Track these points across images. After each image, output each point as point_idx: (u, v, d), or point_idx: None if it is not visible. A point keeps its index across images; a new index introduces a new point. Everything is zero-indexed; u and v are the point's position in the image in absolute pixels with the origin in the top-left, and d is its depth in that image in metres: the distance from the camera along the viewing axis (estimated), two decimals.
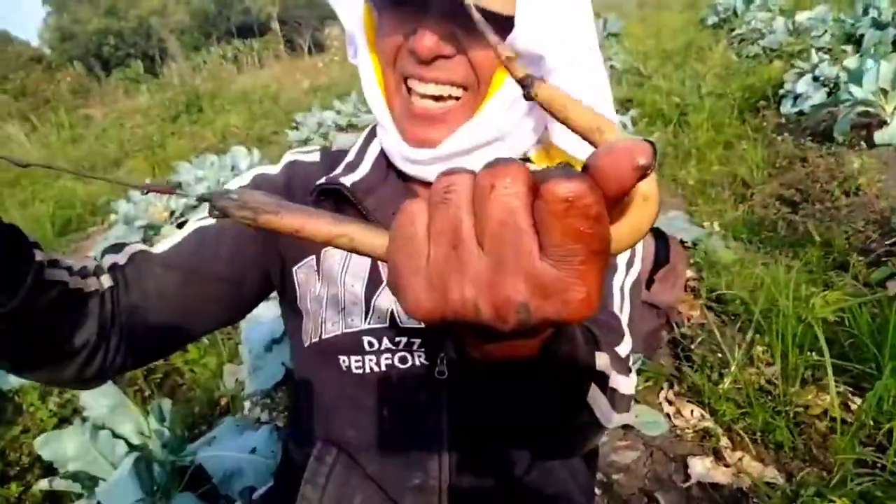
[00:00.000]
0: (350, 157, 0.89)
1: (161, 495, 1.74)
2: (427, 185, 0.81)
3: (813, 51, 5.42)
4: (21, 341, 0.63)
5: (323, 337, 0.82)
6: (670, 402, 2.11)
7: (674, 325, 2.38)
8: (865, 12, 5.58)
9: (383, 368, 0.79)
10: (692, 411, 2.04)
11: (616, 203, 0.30)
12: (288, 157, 0.93)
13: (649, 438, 1.97)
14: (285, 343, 2.20)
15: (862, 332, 2.02)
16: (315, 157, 0.93)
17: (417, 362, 0.78)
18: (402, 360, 0.78)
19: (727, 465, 1.81)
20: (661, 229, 1.99)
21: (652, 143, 0.29)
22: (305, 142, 7.33)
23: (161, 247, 0.81)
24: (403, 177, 0.84)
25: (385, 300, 0.79)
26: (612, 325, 0.73)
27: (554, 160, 0.82)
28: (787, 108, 4.76)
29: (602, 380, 0.62)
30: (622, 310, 0.77)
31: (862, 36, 5.30)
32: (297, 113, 8.76)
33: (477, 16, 0.40)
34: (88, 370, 0.72)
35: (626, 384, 0.68)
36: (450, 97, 0.75)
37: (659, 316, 2.10)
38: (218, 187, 5.23)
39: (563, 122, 0.35)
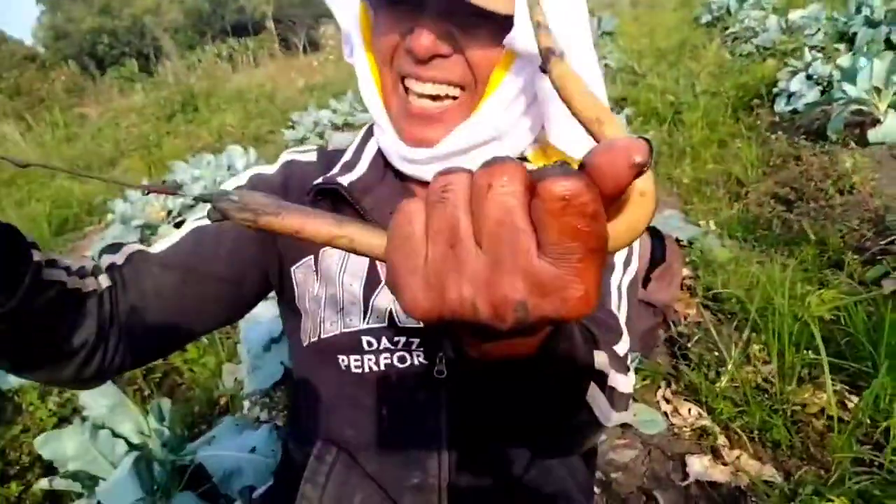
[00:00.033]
0: (347, 156, 0.89)
1: (161, 494, 1.74)
2: (424, 184, 0.81)
3: (806, 49, 5.43)
4: (20, 341, 0.63)
5: (322, 336, 0.82)
6: (668, 401, 2.12)
7: (670, 323, 2.39)
8: (858, 10, 5.60)
9: (382, 368, 0.79)
10: (690, 410, 2.05)
11: (613, 201, 0.31)
12: (284, 156, 0.93)
13: (647, 437, 1.98)
14: (284, 342, 2.19)
15: (858, 331, 2.02)
16: (312, 156, 0.93)
17: (416, 362, 0.78)
18: (401, 359, 0.79)
19: (725, 464, 1.81)
20: (657, 228, 2.00)
21: (648, 141, 0.29)
22: (301, 141, 7.31)
23: (159, 247, 0.81)
24: (401, 176, 0.85)
25: (383, 300, 0.79)
26: (610, 324, 0.73)
27: (551, 159, 0.83)
28: (780, 106, 4.76)
29: (601, 378, 0.62)
30: (620, 308, 0.77)
31: (855, 34, 5.31)
32: (292, 112, 8.73)
33: None
34: (87, 370, 0.72)
35: (624, 383, 0.68)
36: (447, 97, 0.75)
37: (655, 315, 2.10)
38: (214, 187, 5.22)
39: (566, 104, 0.36)
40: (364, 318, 0.79)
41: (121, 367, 0.77)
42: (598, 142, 0.35)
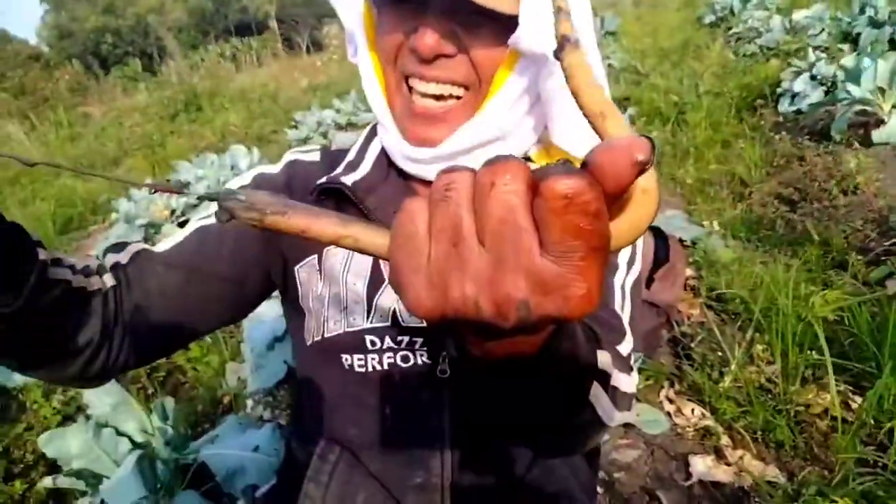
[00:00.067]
0: (350, 156, 0.90)
1: (164, 493, 1.74)
2: (428, 183, 0.81)
3: (810, 49, 5.42)
4: (25, 340, 0.63)
5: (325, 336, 0.82)
6: (671, 401, 2.12)
7: (674, 323, 2.39)
8: (862, 11, 5.58)
9: (385, 367, 0.79)
10: (693, 410, 2.05)
11: (615, 199, 0.31)
12: (288, 156, 0.94)
13: (650, 437, 1.98)
14: (287, 341, 2.20)
15: (861, 331, 2.02)
16: (315, 156, 0.94)
17: (420, 361, 0.78)
18: (405, 358, 0.79)
19: (728, 464, 1.81)
20: (661, 228, 1.99)
21: (650, 139, 0.29)
22: (305, 141, 7.32)
23: (163, 246, 0.82)
24: (404, 175, 0.85)
25: (387, 299, 0.79)
26: (614, 324, 0.73)
27: (554, 159, 0.82)
28: (784, 106, 4.76)
29: (604, 378, 0.62)
30: (623, 308, 0.77)
31: (859, 34, 5.30)
32: (296, 112, 8.73)
33: None
34: (92, 369, 0.72)
35: (627, 382, 0.68)
36: (451, 96, 0.75)
37: (659, 315, 2.10)
38: (218, 186, 5.23)
39: (573, 94, 0.36)
40: (367, 318, 0.79)
41: (125, 366, 0.77)
42: (599, 136, 0.35)
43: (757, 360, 2.14)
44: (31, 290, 0.58)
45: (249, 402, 2.25)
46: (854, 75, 3.84)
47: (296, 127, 8.01)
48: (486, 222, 0.30)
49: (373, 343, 0.79)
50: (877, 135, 3.62)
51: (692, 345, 2.28)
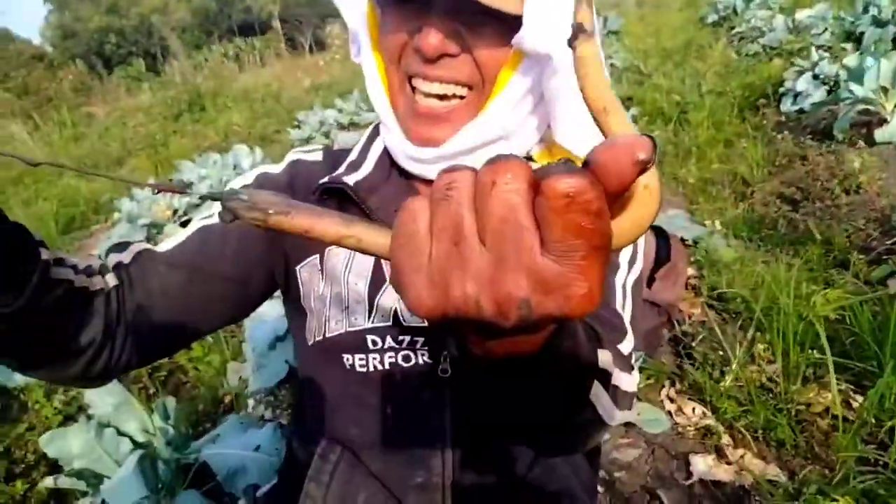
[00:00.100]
0: (353, 156, 0.90)
1: (165, 493, 1.75)
2: (430, 183, 0.81)
3: (813, 49, 5.40)
4: (27, 340, 0.63)
5: (326, 335, 0.82)
6: (672, 400, 2.12)
7: (675, 323, 2.39)
8: (865, 10, 5.57)
9: (387, 367, 0.79)
10: (694, 409, 2.05)
11: (617, 198, 0.31)
12: (290, 156, 0.94)
13: (651, 436, 1.97)
14: (289, 341, 2.20)
15: (863, 330, 2.02)
16: (317, 156, 0.94)
17: (421, 361, 0.78)
18: (406, 358, 0.79)
19: (729, 463, 1.81)
20: (662, 227, 1.99)
21: (652, 138, 0.29)
22: (307, 140, 7.32)
23: (165, 245, 0.82)
24: (406, 175, 0.85)
25: (388, 299, 0.79)
26: (615, 323, 0.73)
27: (556, 158, 0.82)
28: (787, 106, 4.75)
29: (604, 377, 0.62)
30: (624, 307, 0.77)
31: (862, 34, 5.29)
32: (298, 111, 8.73)
33: None
34: (94, 368, 0.72)
35: (628, 381, 0.68)
36: (454, 96, 0.75)
37: (660, 314, 2.10)
38: (221, 186, 5.23)
39: (580, 86, 0.36)
40: (369, 317, 0.80)
41: (127, 366, 0.77)
42: (602, 132, 0.35)
43: (758, 359, 2.14)
44: (33, 290, 0.59)
45: (251, 402, 2.25)
46: (857, 75, 3.83)
47: (298, 127, 8.02)
48: (488, 221, 0.30)
49: (374, 343, 0.79)
50: (879, 134, 3.61)
51: (693, 344, 2.28)
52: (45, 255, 0.61)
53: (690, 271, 2.72)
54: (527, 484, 0.82)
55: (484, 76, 0.73)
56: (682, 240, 2.85)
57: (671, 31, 9.28)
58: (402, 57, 0.75)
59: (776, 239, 3.04)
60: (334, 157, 0.92)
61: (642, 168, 0.29)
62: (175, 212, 4.90)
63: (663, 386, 2.19)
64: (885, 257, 2.49)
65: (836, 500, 1.54)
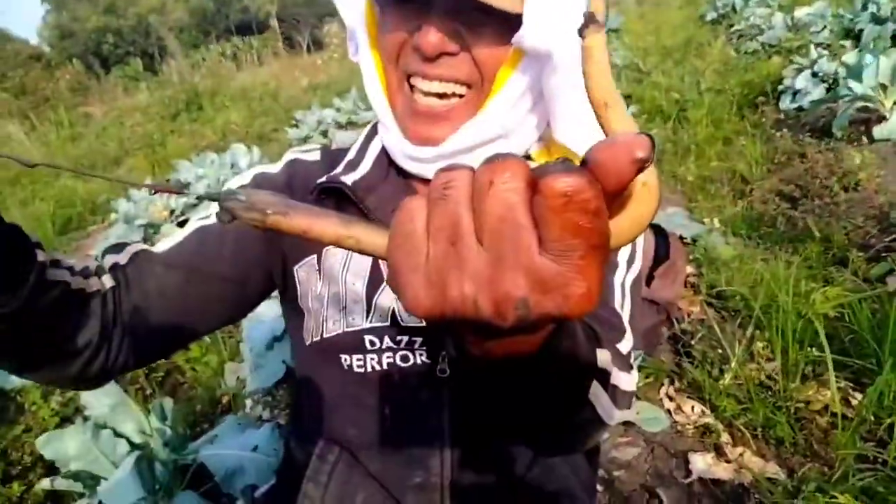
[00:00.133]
0: (351, 155, 0.89)
1: (163, 494, 1.74)
2: (428, 182, 0.81)
3: (812, 46, 5.41)
4: (23, 341, 0.63)
5: (324, 336, 0.82)
6: (671, 398, 2.11)
7: (674, 321, 2.38)
8: (864, 7, 5.57)
9: (385, 367, 0.79)
10: (693, 407, 2.04)
11: (615, 197, 0.30)
12: (288, 155, 0.93)
13: (650, 435, 1.97)
14: (286, 341, 2.19)
15: (862, 328, 2.02)
16: (315, 155, 0.93)
17: (419, 361, 0.78)
18: (404, 358, 0.78)
19: (728, 461, 1.81)
20: (661, 225, 1.99)
21: (650, 136, 0.29)
22: (305, 139, 7.31)
23: (162, 246, 0.82)
24: (404, 174, 0.84)
25: (386, 299, 0.79)
26: (614, 322, 0.73)
27: (554, 157, 0.82)
28: (785, 103, 4.75)
29: (603, 376, 0.62)
30: (623, 306, 0.77)
31: (861, 31, 5.29)
32: (296, 110, 8.72)
33: None
34: (91, 370, 0.72)
35: (627, 381, 0.68)
36: (454, 95, 0.74)
37: (659, 312, 2.09)
38: (218, 185, 5.23)
39: (584, 77, 0.35)
40: (367, 318, 0.79)
41: (124, 367, 0.77)
42: (601, 125, 0.34)
43: (757, 357, 2.14)
44: (29, 292, 0.58)
45: (248, 402, 2.25)
46: (856, 72, 3.83)
47: (296, 126, 8.01)
48: (485, 221, 0.30)
49: (372, 343, 0.79)
50: (878, 131, 3.61)
51: (692, 342, 2.28)
52: (41, 256, 0.61)
53: (689, 269, 2.72)
54: (526, 484, 0.81)
55: (483, 75, 0.73)
56: (681, 238, 2.84)
57: (671, 29, 9.29)
58: (400, 56, 0.74)
59: (775, 237, 3.04)
60: (332, 156, 0.92)
61: (641, 166, 0.29)
62: (172, 212, 4.90)
63: (662, 384, 2.19)
64: (883, 255, 2.49)
65: (836, 498, 1.54)
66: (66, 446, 1.80)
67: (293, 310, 0.88)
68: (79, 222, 6.43)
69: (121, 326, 0.74)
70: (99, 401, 1.88)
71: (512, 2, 0.66)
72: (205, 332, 0.88)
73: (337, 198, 0.82)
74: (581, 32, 0.36)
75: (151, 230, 4.70)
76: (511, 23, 0.67)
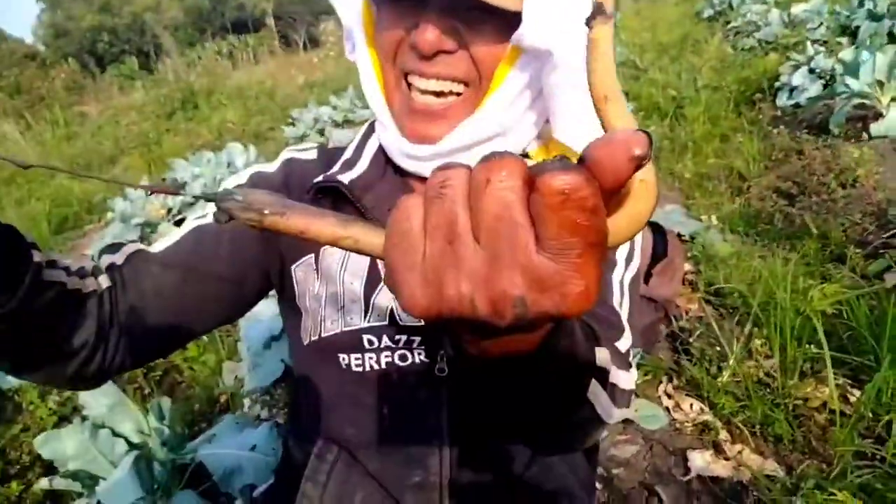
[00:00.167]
0: (348, 154, 0.89)
1: (161, 493, 1.74)
2: (426, 180, 0.81)
3: (808, 43, 5.41)
4: (19, 342, 0.63)
5: (322, 335, 0.81)
6: (669, 396, 2.11)
7: (672, 318, 2.38)
8: (861, 4, 5.57)
9: (383, 366, 0.79)
10: (691, 405, 2.04)
11: (613, 195, 0.30)
12: (285, 154, 0.93)
13: (649, 432, 1.97)
14: (284, 340, 2.19)
15: (860, 325, 2.02)
16: (312, 154, 0.93)
17: (417, 360, 0.78)
18: (402, 357, 0.78)
19: (727, 459, 1.81)
20: (659, 223, 1.99)
21: (648, 133, 0.28)
22: (302, 138, 7.30)
23: (159, 246, 0.81)
24: (402, 173, 0.84)
25: (384, 298, 0.78)
26: (612, 321, 0.73)
27: (552, 155, 0.82)
28: (782, 100, 4.75)
29: (602, 375, 0.62)
30: (622, 305, 0.77)
31: (858, 28, 5.29)
32: (293, 109, 8.72)
33: None
34: (87, 370, 0.72)
35: (626, 379, 0.68)
36: (451, 93, 0.74)
37: (657, 310, 2.10)
38: (214, 184, 5.22)
39: (588, 69, 0.35)
40: (365, 317, 0.79)
41: (121, 367, 0.77)
42: (600, 119, 0.34)
43: (755, 355, 2.14)
44: (25, 293, 0.58)
45: (246, 402, 2.24)
46: (852, 69, 3.83)
47: (293, 124, 8.00)
48: (482, 219, 0.30)
49: (370, 342, 0.79)
50: (875, 128, 3.61)
51: (690, 340, 2.28)
52: (37, 257, 0.61)
53: (687, 267, 2.72)
54: (524, 482, 0.81)
55: (481, 73, 0.73)
56: (679, 235, 2.84)
57: (667, 26, 9.29)
58: (397, 54, 0.74)
59: (773, 233, 3.05)
60: (329, 155, 0.92)
61: (638, 164, 0.28)
62: (169, 211, 4.89)
63: (661, 382, 2.19)
64: (881, 251, 2.49)
65: (834, 495, 1.54)
66: (65, 446, 1.80)
67: (291, 309, 0.88)
68: (75, 221, 6.43)
69: (117, 326, 0.74)
70: (97, 400, 1.87)
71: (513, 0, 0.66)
72: (202, 332, 0.88)
73: (334, 197, 0.82)
74: (588, 23, 0.35)
75: (148, 229, 4.69)
76: (509, 20, 0.67)
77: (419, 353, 0.78)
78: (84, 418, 1.89)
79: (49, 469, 2.03)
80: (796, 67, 4.96)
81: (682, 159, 4.38)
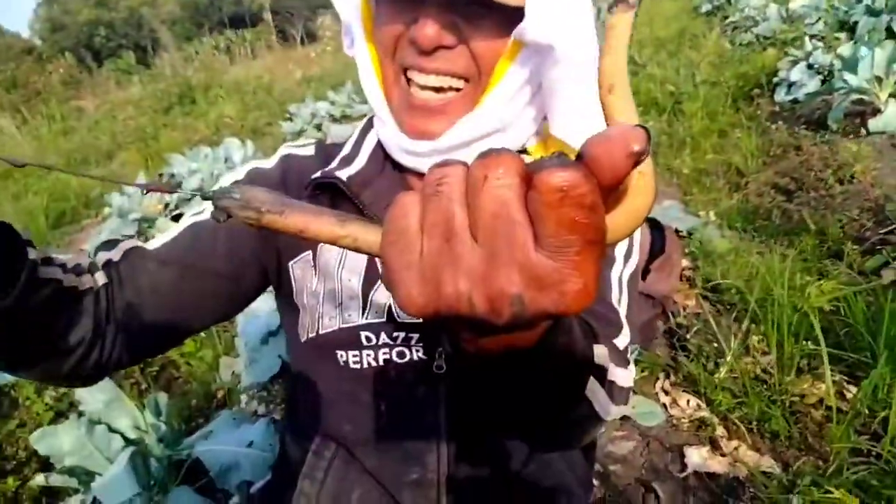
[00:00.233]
0: (346, 150, 0.89)
1: (158, 490, 1.74)
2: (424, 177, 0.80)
3: (807, 38, 5.40)
4: (15, 339, 0.63)
5: (320, 332, 0.81)
6: (666, 393, 2.12)
7: (669, 314, 2.38)
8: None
9: (381, 363, 0.79)
10: (688, 401, 2.05)
11: (611, 191, 0.30)
12: (282, 150, 0.93)
13: (646, 429, 1.98)
14: (281, 335, 2.19)
15: (857, 321, 2.02)
16: (310, 150, 0.93)
17: (415, 357, 0.78)
18: (400, 354, 0.78)
19: (723, 455, 1.81)
20: (657, 219, 1.99)
21: (646, 129, 0.28)
22: (299, 133, 7.29)
23: (155, 243, 0.81)
24: (400, 169, 0.84)
25: (382, 295, 0.78)
26: (611, 318, 0.73)
27: (551, 151, 0.82)
28: (781, 96, 4.75)
29: (600, 372, 0.62)
30: (620, 302, 0.77)
31: (856, 23, 5.28)
32: (290, 104, 8.70)
33: None
34: (84, 367, 0.72)
35: (624, 376, 0.68)
36: (450, 88, 0.74)
37: (654, 306, 2.10)
38: (212, 180, 5.20)
39: (599, 55, 0.35)
40: (363, 314, 0.79)
41: (118, 364, 0.77)
42: (602, 108, 0.34)
43: (752, 351, 2.14)
44: (20, 290, 0.58)
45: (244, 397, 2.24)
46: (851, 64, 3.83)
47: (290, 119, 7.98)
48: (479, 217, 0.30)
49: (368, 339, 0.79)
50: (873, 124, 3.61)
51: (688, 336, 2.28)
52: (32, 254, 0.61)
53: (685, 263, 2.72)
54: (522, 479, 0.81)
55: (480, 68, 0.72)
56: (677, 231, 2.84)
57: (665, 21, 9.28)
58: (396, 49, 0.74)
59: (770, 230, 3.04)
60: (327, 151, 0.92)
61: (636, 160, 0.28)
62: (166, 206, 4.87)
63: (658, 378, 2.19)
64: (878, 247, 2.49)
65: (830, 492, 1.54)
66: (61, 442, 1.80)
67: (288, 306, 0.88)
68: (72, 216, 6.41)
69: (114, 323, 0.74)
70: (93, 396, 1.87)
71: None
72: (199, 329, 0.88)
73: (332, 193, 0.81)
74: (610, 9, 0.35)
75: (145, 224, 4.68)
76: (509, 15, 0.66)
77: (417, 350, 0.78)
78: (80, 414, 1.89)
79: (45, 465, 2.02)
80: (794, 63, 4.96)
81: (680, 155, 4.37)
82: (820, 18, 6.03)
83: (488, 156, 0.30)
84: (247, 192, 0.35)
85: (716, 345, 2.17)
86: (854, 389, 1.89)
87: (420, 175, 0.82)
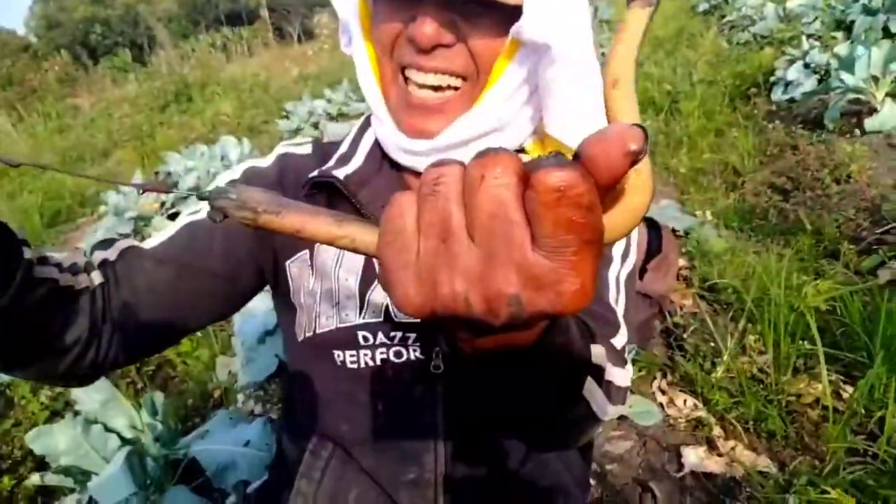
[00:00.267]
0: (343, 148, 0.88)
1: (154, 489, 1.74)
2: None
3: (804, 37, 5.41)
4: (11, 339, 0.63)
5: (317, 331, 0.81)
6: (663, 392, 2.12)
7: (666, 314, 2.38)
8: None
9: (378, 363, 0.79)
10: (685, 401, 2.05)
11: (609, 191, 0.30)
12: (279, 149, 0.92)
13: (643, 428, 1.98)
14: (278, 335, 2.19)
15: (853, 321, 2.02)
16: (307, 149, 0.92)
17: (412, 356, 0.78)
18: (397, 354, 0.78)
19: (720, 455, 1.82)
20: (653, 218, 1.99)
21: (643, 128, 0.28)
22: (296, 131, 7.28)
23: (152, 242, 0.81)
24: (398, 168, 0.84)
25: (379, 295, 0.78)
26: (608, 318, 0.73)
27: (548, 150, 0.81)
28: (777, 95, 4.76)
29: (598, 372, 0.61)
30: (618, 301, 0.76)
31: (853, 22, 5.29)
32: (287, 102, 8.69)
33: None
34: (80, 367, 0.72)
35: (621, 376, 0.67)
36: (448, 87, 0.73)
37: (651, 305, 2.10)
38: (208, 178, 5.20)
39: (610, 49, 0.35)
40: (360, 313, 0.79)
41: (114, 364, 0.77)
42: (605, 102, 0.34)
43: (749, 351, 2.14)
44: (16, 290, 0.58)
45: (240, 397, 2.24)
46: (847, 63, 3.83)
47: (287, 117, 7.98)
48: (476, 216, 0.30)
49: (365, 339, 0.78)
50: (870, 123, 3.62)
51: (684, 335, 2.28)
52: (28, 253, 0.61)
53: (681, 262, 2.72)
54: (519, 479, 0.81)
55: (479, 67, 0.72)
56: (674, 230, 2.85)
57: (662, 20, 9.28)
58: (394, 47, 0.73)
59: (767, 229, 3.05)
60: (324, 150, 0.91)
61: (634, 159, 0.28)
62: (162, 205, 4.87)
63: (655, 378, 2.19)
64: (875, 247, 2.49)
65: (827, 491, 1.54)
66: (57, 441, 1.79)
67: (285, 305, 0.88)
68: (68, 215, 6.40)
69: (110, 323, 0.73)
70: (89, 396, 1.87)
71: None
72: (195, 328, 0.88)
73: (329, 192, 0.81)
74: (629, 3, 0.35)
75: (142, 223, 4.67)
76: (507, 13, 0.66)
77: (414, 350, 0.78)
78: (76, 413, 1.89)
79: (41, 464, 2.02)
80: (791, 62, 4.97)
81: (676, 154, 4.38)
82: (817, 18, 6.04)
83: (485, 155, 0.29)
84: (243, 193, 0.35)
85: (712, 344, 2.18)
86: (850, 389, 1.90)
87: (418, 174, 0.82)
